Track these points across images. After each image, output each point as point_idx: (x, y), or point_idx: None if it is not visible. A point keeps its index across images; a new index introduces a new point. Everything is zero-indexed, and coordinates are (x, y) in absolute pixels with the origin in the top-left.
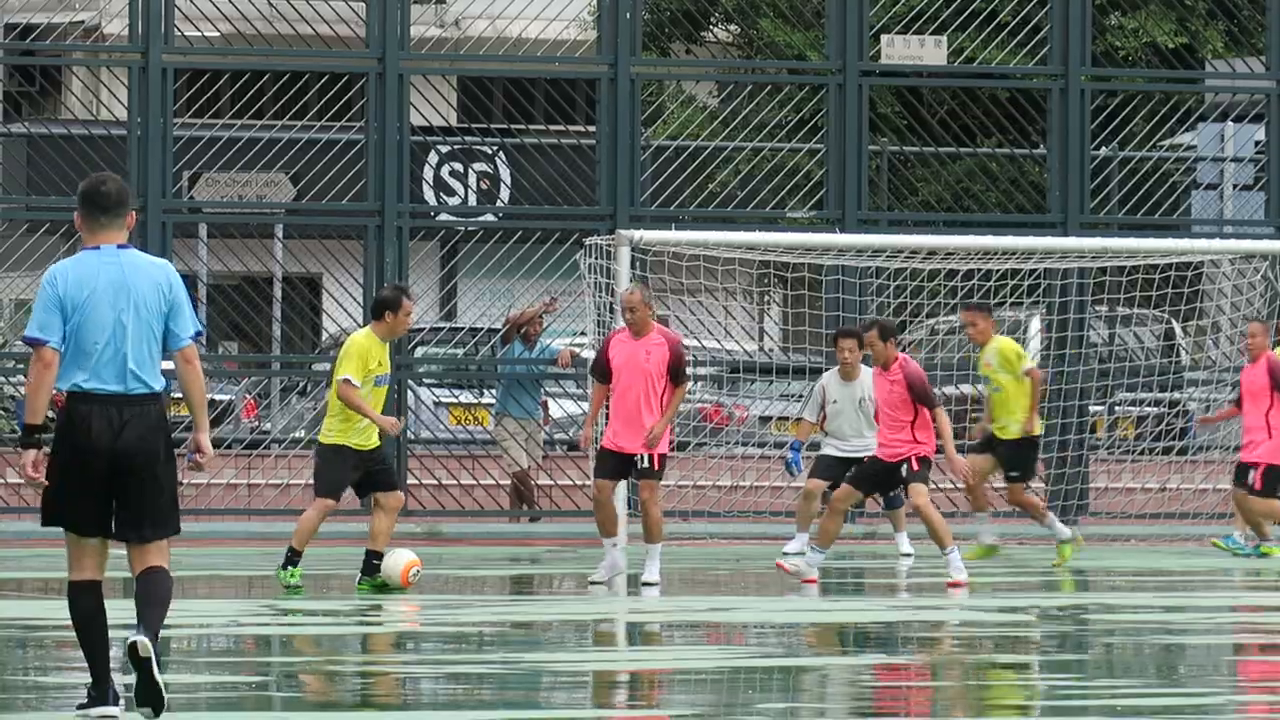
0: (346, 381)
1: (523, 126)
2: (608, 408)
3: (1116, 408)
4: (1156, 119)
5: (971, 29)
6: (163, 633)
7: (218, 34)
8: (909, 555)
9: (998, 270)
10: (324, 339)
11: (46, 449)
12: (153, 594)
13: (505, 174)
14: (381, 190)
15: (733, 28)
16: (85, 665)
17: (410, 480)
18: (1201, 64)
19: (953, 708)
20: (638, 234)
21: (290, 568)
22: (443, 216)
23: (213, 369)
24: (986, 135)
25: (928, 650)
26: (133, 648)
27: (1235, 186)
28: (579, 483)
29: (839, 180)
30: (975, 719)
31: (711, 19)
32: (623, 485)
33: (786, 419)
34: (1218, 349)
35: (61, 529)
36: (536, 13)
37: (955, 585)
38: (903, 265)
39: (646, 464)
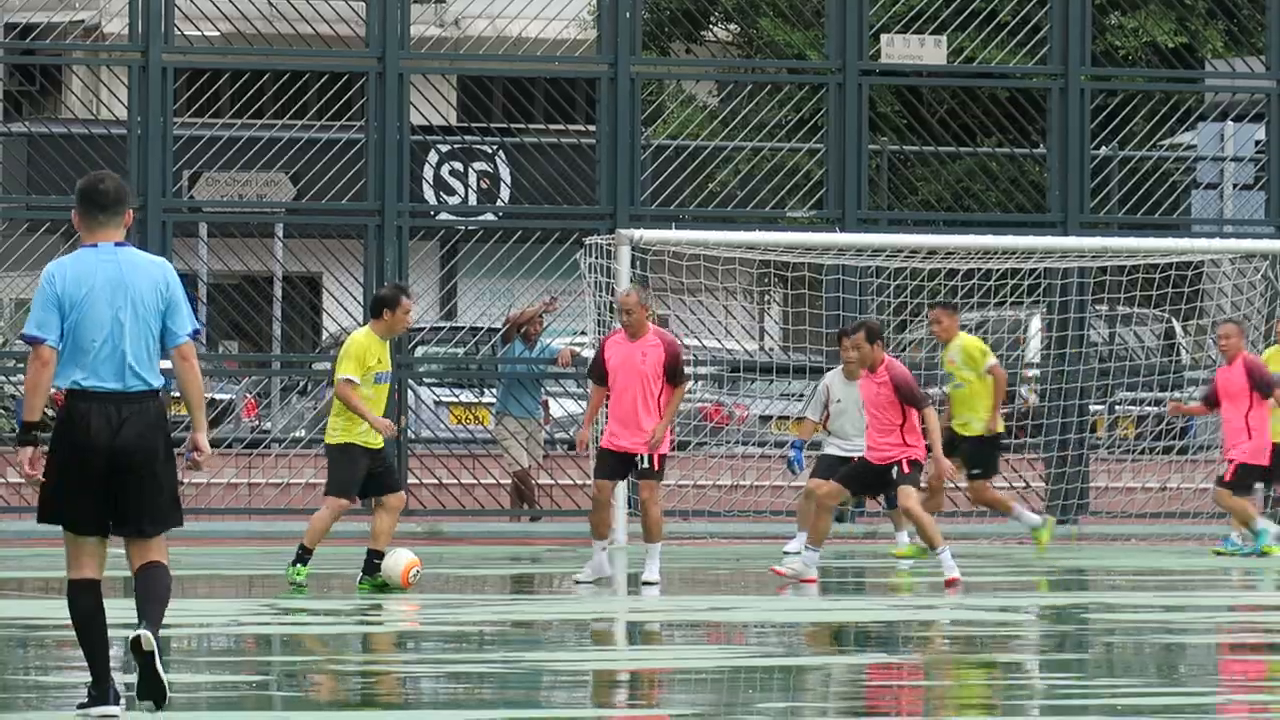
0: (346, 381)
1: (523, 126)
2: (606, 409)
3: (1117, 407)
4: (1156, 119)
5: (971, 29)
6: (163, 632)
7: (218, 33)
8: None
9: (998, 270)
10: (324, 338)
11: (44, 446)
12: (152, 590)
13: (505, 173)
14: (381, 190)
15: (732, 27)
16: (85, 665)
17: (411, 479)
18: (1201, 63)
19: (953, 707)
20: (638, 233)
21: (299, 565)
22: (443, 216)
23: (213, 368)
24: (986, 135)
25: (928, 650)
26: (135, 642)
27: (1235, 186)
28: (579, 482)
29: (839, 180)
30: (975, 719)
31: (711, 18)
32: (622, 485)
33: (787, 418)
34: (1217, 348)
35: (60, 528)
36: (536, 12)
37: (951, 584)
38: (903, 265)
39: (647, 464)
